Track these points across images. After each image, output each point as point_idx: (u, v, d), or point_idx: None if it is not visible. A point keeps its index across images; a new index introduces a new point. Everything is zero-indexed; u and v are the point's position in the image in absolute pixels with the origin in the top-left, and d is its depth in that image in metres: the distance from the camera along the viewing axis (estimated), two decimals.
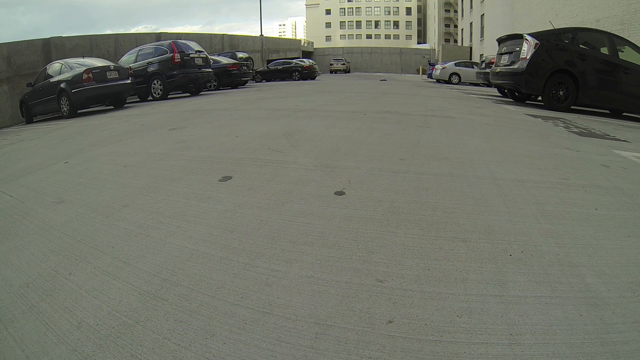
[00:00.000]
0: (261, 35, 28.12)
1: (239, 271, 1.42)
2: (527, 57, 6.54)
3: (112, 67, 8.21)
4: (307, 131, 3.83)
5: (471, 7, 29.58)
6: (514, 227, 1.71)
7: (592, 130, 4.51)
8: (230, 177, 2.47)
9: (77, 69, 7.81)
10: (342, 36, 66.22)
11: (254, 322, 1.14)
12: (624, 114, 6.82)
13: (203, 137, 3.91)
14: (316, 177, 2.40)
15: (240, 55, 16.49)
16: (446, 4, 50.64)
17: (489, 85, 12.76)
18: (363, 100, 6.97)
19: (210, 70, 10.56)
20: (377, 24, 66.78)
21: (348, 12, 67.31)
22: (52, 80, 8.08)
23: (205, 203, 2.09)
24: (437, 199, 2.03)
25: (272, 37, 35.18)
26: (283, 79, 19.45)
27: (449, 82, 17.47)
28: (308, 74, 19.66)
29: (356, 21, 67.19)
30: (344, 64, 31.79)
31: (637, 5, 9.82)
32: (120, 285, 1.38)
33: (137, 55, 9.93)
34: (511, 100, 8.25)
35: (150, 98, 10.00)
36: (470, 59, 24.72)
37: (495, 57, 8.14)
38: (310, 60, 22.35)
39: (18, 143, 5.40)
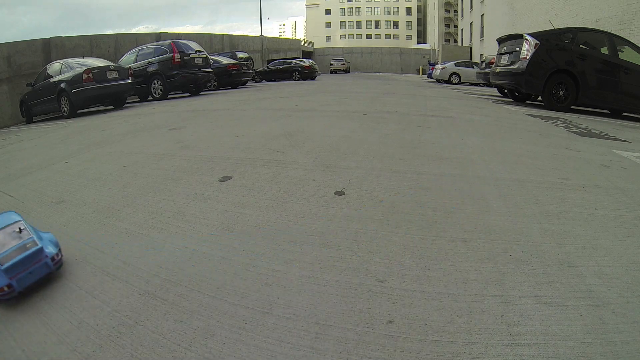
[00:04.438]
0: (261, 35, 28.12)
1: (239, 271, 1.42)
2: (527, 57, 6.54)
3: (112, 67, 8.20)
4: (307, 131, 3.83)
5: (471, 7, 29.57)
6: (514, 227, 1.71)
7: (592, 130, 4.51)
8: (230, 177, 2.47)
9: (77, 69, 7.81)
10: (342, 36, 66.22)
11: (254, 322, 1.14)
12: (624, 114, 6.82)
13: (203, 137, 3.91)
14: (316, 177, 2.40)
15: (240, 55, 16.49)
16: (446, 4, 50.62)
17: (489, 85, 12.76)
18: (363, 100, 6.97)
19: (210, 70, 10.55)
20: (377, 24, 66.79)
21: (348, 12, 67.32)
22: (52, 80, 8.08)
23: (205, 203, 2.09)
24: (437, 199, 2.03)
25: (272, 37, 35.19)
26: (283, 79, 19.44)
27: (449, 82, 17.47)
28: (308, 74, 19.66)
29: (356, 21, 67.20)
30: (344, 64, 31.77)
31: (637, 5, 9.82)
32: (120, 285, 1.38)
33: (137, 55, 9.93)
34: (511, 100, 8.26)
35: (150, 98, 10.00)
36: (470, 59, 24.72)
37: (495, 57, 8.14)
38: (310, 60, 22.34)
39: (18, 143, 5.40)
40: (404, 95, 8.62)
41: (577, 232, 1.68)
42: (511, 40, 7.28)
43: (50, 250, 1.44)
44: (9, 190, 2.79)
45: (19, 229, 1.41)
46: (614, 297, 1.24)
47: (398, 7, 66.23)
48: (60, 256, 1.49)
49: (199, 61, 9.94)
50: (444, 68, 18.13)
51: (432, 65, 23.28)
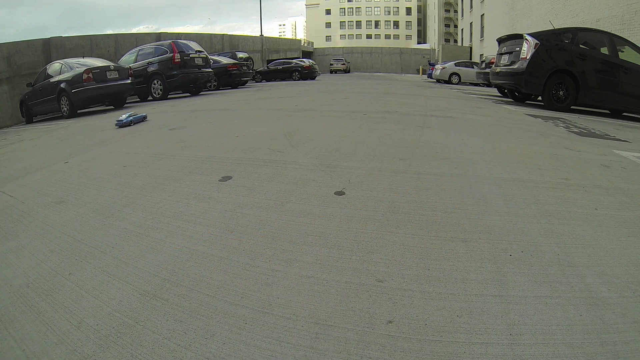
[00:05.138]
0: (261, 35, 28.11)
1: (239, 271, 1.42)
2: (527, 57, 6.54)
3: (112, 67, 8.20)
4: (307, 131, 3.83)
5: (471, 7, 29.57)
6: (514, 227, 1.71)
7: (592, 130, 4.51)
8: (230, 177, 2.47)
9: (77, 69, 7.81)
10: (342, 36, 66.21)
11: (254, 322, 1.14)
12: (624, 114, 6.82)
13: (203, 137, 3.91)
14: (316, 177, 2.40)
15: (240, 55, 16.49)
16: (446, 4, 50.62)
17: (489, 85, 12.76)
18: (363, 100, 6.97)
19: (210, 70, 10.55)
20: (377, 24, 66.79)
21: (348, 12, 67.31)
22: (52, 80, 8.08)
23: (205, 203, 2.09)
24: (437, 199, 2.03)
25: (272, 37, 35.17)
26: (283, 79, 19.44)
27: (449, 82, 17.47)
28: (308, 74, 19.65)
29: (356, 21, 67.20)
30: (344, 64, 31.76)
31: (637, 5, 9.82)
32: (120, 285, 1.38)
33: (137, 55, 9.93)
34: (511, 100, 8.26)
35: (150, 98, 10.00)
36: (470, 59, 24.71)
37: (495, 57, 8.14)
38: (310, 60, 22.33)
39: (18, 143, 5.40)
40: (404, 95, 8.62)
41: (577, 232, 1.68)
42: (511, 40, 7.28)
43: (122, 121, 5.10)
44: (9, 190, 2.79)
45: (125, 115, 5.24)
46: (614, 297, 1.24)
47: (398, 7, 66.21)
48: (128, 123, 5.11)
49: (199, 61, 9.94)
50: (444, 68, 18.13)
51: (432, 65, 23.27)
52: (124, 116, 5.20)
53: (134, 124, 5.14)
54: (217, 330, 1.12)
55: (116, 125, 5.10)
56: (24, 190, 2.74)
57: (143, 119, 5.36)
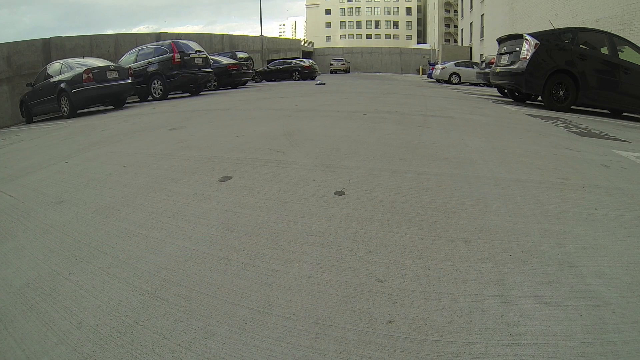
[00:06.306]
0: (261, 35, 28.11)
1: (239, 271, 1.42)
2: (527, 57, 6.54)
3: (112, 67, 8.20)
4: (307, 131, 3.83)
5: (471, 7, 29.57)
6: (514, 227, 1.71)
7: (592, 130, 4.51)
8: (230, 177, 2.47)
9: (77, 69, 7.81)
10: (342, 36, 66.23)
11: (254, 322, 1.14)
12: (624, 114, 6.82)
13: (203, 137, 3.91)
14: (316, 177, 2.40)
15: (240, 55, 16.50)
16: (446, 4, 50.62)
17: (489, 85, 12.76)
18: (363, 100, 6.97)
19: (210, 70, 10.56)
20: (377, 24, 66.81)
21: (348, 12, 67.33)
22: (52, 80, 8.08)
23: (205, 203, 2.09)
24: (437, 199, 2.03)
25: (272, 37, 35.15)
26: (283, 79, 19.45)
27: (449, 82, 17.47)
28: (308, 74, 19.66)
29: (356, 21, 67.22)
30: (344, 64, 31.75)
31: (637, 5, 9.82)
32: (120, 285, 1.38)
33: (137, 55, 9.93)
34: (511, 100, 8.26)
35: (150, 98, 10.00)
36: (470, 59, 24.71)
37: (495, 57, 8.15)
38: (310, 60, 22.34)
39: (18, 143, 5.40)
40: (404, 95, 8.62)
41: (577, 232, 1.68)
42: (511, 40, 7.28)
43: (319, 83, 13.02)
44: (9, 190, 2.79)
45: (319, 81, 14.55)
46: (614, 297, 1.24)
47: (398, 7, 66.22)
48: (319, 85, 12.07)
49: (199, 61, 9.94)
50: (444, 68, 18.13)
51: (432, 65, 23.27)
52: (318, 81, 11.60)
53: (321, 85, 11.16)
54: (217, 330, 1.12)
55: (316, 84, 10.52)
56: (24, 190, 2.74)
57: (324, 84, 11.58)
